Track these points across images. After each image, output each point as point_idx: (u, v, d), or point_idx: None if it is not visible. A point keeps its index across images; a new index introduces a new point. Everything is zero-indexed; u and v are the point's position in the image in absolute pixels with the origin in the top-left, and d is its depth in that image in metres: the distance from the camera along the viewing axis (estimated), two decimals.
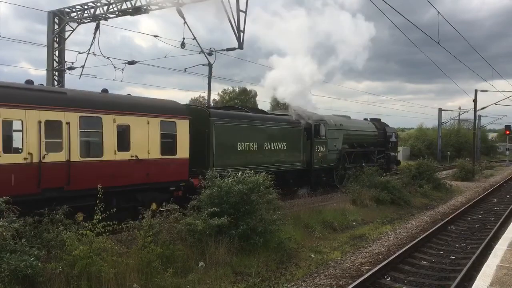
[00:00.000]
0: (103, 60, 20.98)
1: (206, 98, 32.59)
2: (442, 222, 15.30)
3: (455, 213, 17.25)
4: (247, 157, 16.84)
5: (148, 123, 12.69)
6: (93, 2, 20.01)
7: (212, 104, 53.33)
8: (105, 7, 19.79)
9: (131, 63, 22.30)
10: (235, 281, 8.81)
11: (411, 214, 17.82)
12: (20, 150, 10.08)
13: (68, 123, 10.82)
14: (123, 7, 19.09)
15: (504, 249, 7.85)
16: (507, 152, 61.37)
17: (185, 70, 26.90)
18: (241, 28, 15.71)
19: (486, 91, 39.48)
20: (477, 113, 40.27)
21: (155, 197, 12.88)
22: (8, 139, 9.98)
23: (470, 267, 9.69)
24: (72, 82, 27.96)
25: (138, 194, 12.60)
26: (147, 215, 8.99)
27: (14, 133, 10.23)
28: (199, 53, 20.56)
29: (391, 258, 10.51)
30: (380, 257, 11.09)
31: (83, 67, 21.47)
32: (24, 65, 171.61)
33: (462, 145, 58.81)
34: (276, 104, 57.02)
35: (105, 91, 12.67)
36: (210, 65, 27.80)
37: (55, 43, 21.24)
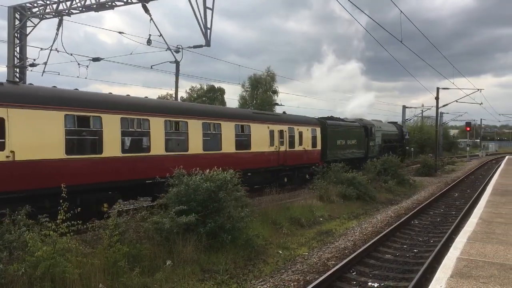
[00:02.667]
0: (66, 56, 20.55)
1: (174, 96, 32.25)
2: (405, 217, 15.71)
3: (418, 208, 17.72)
4: (340, 149, 27.54)
5: (307, 130, 24.00)
6: None
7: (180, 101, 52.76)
8: (68, 3, 19.32)
9: (96, 60, 21.88)
10: (203, 279, 8.80)
11: (376, 209, 18.22)
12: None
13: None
14: (87, 3, 18.69)
15: (464, 242, 8.12)
16: (468, 148, 63.48)
17: (151, 68, 26.62)
18: (208, 25, 15.64)
19: (448, 88, 40.79)
20: (439, 110, 41.45)
21: (308, 170, 23.63)
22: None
23: (432, 260, 10.00)
24: (34, 79, 27.18)
25: (305, 169, 23.68)
26: (113, 214, 8.87)
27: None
28: (166, 50, 20.36)
29: (356, 252, 10.72)
30: (346, 251, 11.30)
31: (45, 63, 20.95)
32: None
33: (425, 142, 60.33)
34: (245, 102, 57.17)
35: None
36: (177, 63, 27.58)
37: (16, 39, 20.60)
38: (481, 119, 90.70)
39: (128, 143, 13.37)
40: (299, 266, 10.02)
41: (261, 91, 60.65)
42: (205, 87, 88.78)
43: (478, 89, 42.47)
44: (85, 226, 8.38)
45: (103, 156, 12.33)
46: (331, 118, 29.29)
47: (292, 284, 8.87)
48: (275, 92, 60.59)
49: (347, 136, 28.51)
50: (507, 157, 47.13)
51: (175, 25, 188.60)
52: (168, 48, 20.34)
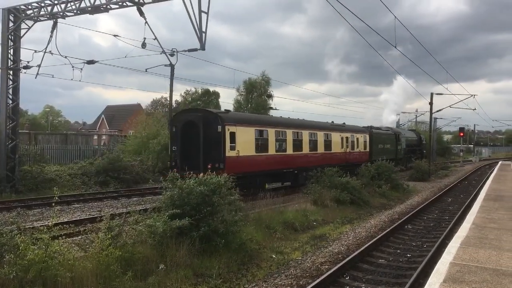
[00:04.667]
0: (60, 59, 20.47)
1: (168, 99, 32.22)
2: (399, 221, 15.74)
3: (411, 213, 17.77)
4: (381, 151, 35.49)
5: (361, 136, 32.12)
6: (50, 0, 19.43)
7: (174, 105, 52.84)
8: (63, 5, 19.23)
9: (90, 62, 21.81)
10: (196, 283, 8.77)
11: (370, 214, 18.24)
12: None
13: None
14: (81, 6, 18.60)
15: (457, 247, 8.14)
16: (461, 153, 63.76)
17: (146, 71, 26.63)
18: (203, 29, 15.62)
19: (442, 94, 40.97)
20: (433, 115, 41.63)
21: (357, 168, 27.14)
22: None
23: (425, 265, 10.01)
24: (28, 81, 27.11)
25: (358, 166, 27.28)
26: (106, 217, 8.82)
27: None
28: (161, 54, 20.33)
29: (350, 257, 10.72)
30: (340, 256, 11.30)
31: (39, 66, 20.85)
32: None
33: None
34: (239, 105, 57.27)
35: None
36: (172, 66, 27.55)
37: (9, 41, 20.49)
38: (474, 125, 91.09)
39: (278, 146, 21.84)
40: (292, 270, 10.00)
41: (256, 95, 60.69)
42: (200, 91, 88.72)
43: (472, 95, 42.70)
44: (77, 229, 8.33)
45: (269, 154, 20.87)
46: (372, 127, 37.24)
47: None
48: (270, 96, 60.70)
49: (385, 141, 37.71)
50: (500, 162, 47.40)
51: (170, 29, 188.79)
52: (163, 52, 20.29)
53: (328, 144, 26.86)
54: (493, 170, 34.62)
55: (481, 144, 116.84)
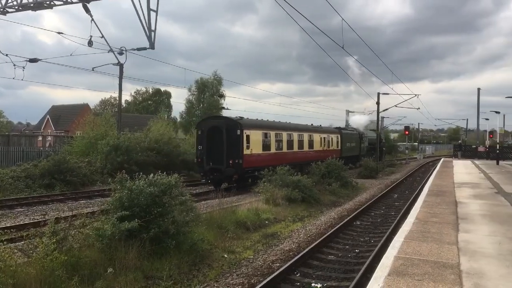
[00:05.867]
0: (1, 57, 19.51)
1: (118, 99, 31.48)
2: (348, 218, 16.15)
3: (360, 209, 18.28)
4: (348, 149, 41.47)
5: (334, 136, 38.57)
6: None
7: (124, 105, 51.70)
8: (3, 1, 18.38)
9: (33, 60, 21.01)
10: (146, 286, 8.62)
11: (321, 211, 18.60)
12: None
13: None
14: (23, 1, 17.85)
15: (401, 241, 8.45)
16: (407, 151, 66.16)
17: (92, 70, 25.87)
18: (152, 28, 15.39)
19: (388, 94, 42.40)
20: (380, 114, 42.97)
21: None
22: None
23: (372, 260, 10.33)
24: None
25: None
26: (51, 221, 8.52)
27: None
28: (108, 52, 19.84)
29: (300, 254, 10.90)
30: (291, 254, 11.46)
31: None
32: None
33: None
34: (191, 105, 56.82)
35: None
36: (120, 65, 26.95)
37: None
38: (418, 123, 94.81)
39: (277, 145, 27.18)
40: (244, 269, 10.04)
41: (208, 95, 60.39)
42: (150, 91, 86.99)
43: (416, 95, 44.50)
44: (19, 233, 7.99)
45: (272, 152, 26.39)
46: (341, 128, 43.67)
47: (236, 287, 8.88)
48: (222, 96, 60.57)
49: (351, 140, 43.39)
50: (442, 159, 49.58)
51: (119, 27, 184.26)
52: (111, 50, 19.81)
53: (311, 143, 32.66)
54: (436, 166, 36.17)
55: (425, 142, 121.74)
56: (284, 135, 28.18)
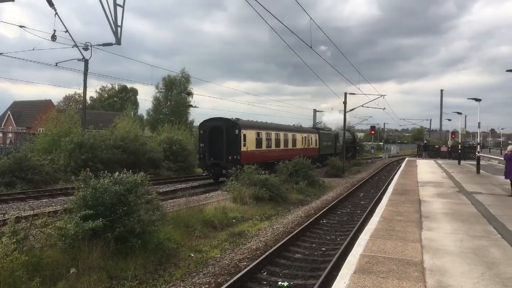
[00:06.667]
0: None
1: (82, 95, 30.74)
2: (315, 217, 16.28)
3: (326, 208, 18.46)
4: (325, 147, 45.19)
5: (313, 136, 42.38)
6: None
7: (88, 101, 50.55)
8: None
9: None
10: (110, 286, 8.44)
11: (288, 210, 18.68)
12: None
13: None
14: None
15: (367, 239, 8.58)
16: (372, 150, 67.42)
17: (56, 65, 25.16)
18: (119, 23, 15.09)
19: (354, 94, 43.09)
20: (347, 114, 43.54)
21: (312, 158, 32.31)
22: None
23: (339, 258, 10.44)
24: None
25: (310, 158, 29.89)
26: (11, 220, 8.22)
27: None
28: (73, 47, 19.34)
29: (268, 253, 10.91)
30: (258, 252, 11.46)
31: None
32: None
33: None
34: (158, 103, 56.40)
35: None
36: (85, 61, 26.36)
37: None
38: (384, 123, 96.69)
39: (267, 143, 30.82)
40: (211, 268, 9.98)
41: (175, 92, 59.76)
42: (117, 87, 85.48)
43: (382, 95, 45.32)
44: None
45: (264, 149, 29.87)
46: (319, 129, 47.90)
47: (203, 287, 8.81)
48: (189, 93, 60.09)
49: (328, 140, 46.96)
50: (406, 158, 50.72)
51: (84, 22, 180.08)
52: (75, 45, 19.32)
53: (294, 142, 36.66)
54: (401, 166, 36.98)
55: (390, 142, 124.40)
56: (273, 135, 32.14)
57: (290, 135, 35.74)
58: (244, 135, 26.92)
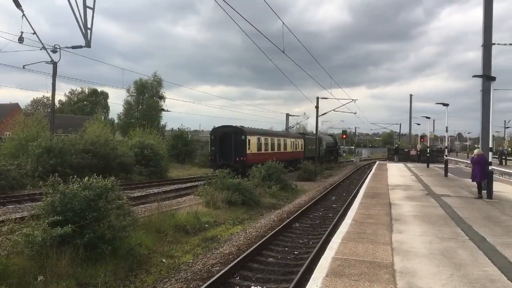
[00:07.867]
0: None
1: (51, 99, 30.05)
2: (287, 220, 16.34)
3: (299, 211, 18.56)
4: (310, 151, 49.65)
5: (300, 140, 48.24)
6: None
7: (57, 105, 49.43)
8: None
9: None
10: None
11: (261, 214, 18.69)
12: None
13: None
14: None
15: (339, 242, 8.66)
16: (344, 154, 68.23)
17: (23, 67, 24.54)
18: (88, 26, 14.84)
19: (326, 98, 43.57)
20: (319, 118, 44.02)
21: (294, 162, 43.65)
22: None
23: (311, 261, 10.49)
24: None
25: (297, 161, 44.11)
26: None
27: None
28: (41, 49, 18.91)
29: (240, 257, 10.88)
30: (231, 257, 11.40)
31: None
32: None
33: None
34: (130, 107, 55.77)
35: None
36: (54, 63, 25.83)
37: None
38: (355, 128, 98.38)
39: (265, 147, 36.44)
40: (183, 274, 9.87)
41: (147, 96, 59.01)
42: (86, 91, 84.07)
43: (353, 100, 46.07)
44: None
45: (263, 152, 35.36)
46: (304, 133, 54.83)
47: None
48: (161, 97, 59.51)
49: (312, 144, 50.60)
50: (377, 162, 51.56)
51: (53, 24, 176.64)
52: (43, 48, 18.89)
53: (285, 146, 42.22)
54: (371, 169, 37.53)
55: (361, 146, 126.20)
56: (269, 140, 38.01)
57: (282, 140, 41.65)
58: (249, 140, 32.72)
